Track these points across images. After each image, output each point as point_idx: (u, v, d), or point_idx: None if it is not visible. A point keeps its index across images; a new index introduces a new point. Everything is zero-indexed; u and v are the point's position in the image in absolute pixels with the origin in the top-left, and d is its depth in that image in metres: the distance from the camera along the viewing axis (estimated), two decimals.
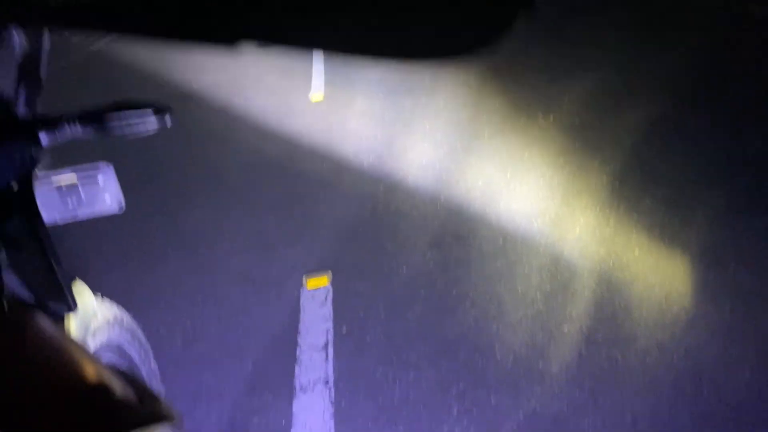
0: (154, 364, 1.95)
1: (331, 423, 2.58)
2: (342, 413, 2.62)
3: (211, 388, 2.84)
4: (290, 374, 2.86)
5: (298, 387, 2.79)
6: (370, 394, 2.69)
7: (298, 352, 2.99)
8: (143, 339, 1.88)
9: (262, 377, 2.87)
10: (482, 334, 2.95)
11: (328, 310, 3.24)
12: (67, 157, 1.39)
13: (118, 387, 0.77)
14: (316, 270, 3.55)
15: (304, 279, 3.48)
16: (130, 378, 0.83)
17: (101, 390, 0.76)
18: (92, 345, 1.45)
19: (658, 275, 3.21)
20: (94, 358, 0.91)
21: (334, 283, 3.44)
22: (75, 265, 3.87)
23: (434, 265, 3.49)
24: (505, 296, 3.17)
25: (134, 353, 1.78)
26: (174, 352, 3.08)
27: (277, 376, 2.86)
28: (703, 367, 2.64)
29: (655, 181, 3.96)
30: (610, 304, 3.04)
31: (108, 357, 1.60)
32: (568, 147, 4.49)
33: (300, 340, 3.06)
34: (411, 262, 3.54)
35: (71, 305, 1.30)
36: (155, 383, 1.92)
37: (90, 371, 0.79)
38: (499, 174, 4.27)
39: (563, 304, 3.08)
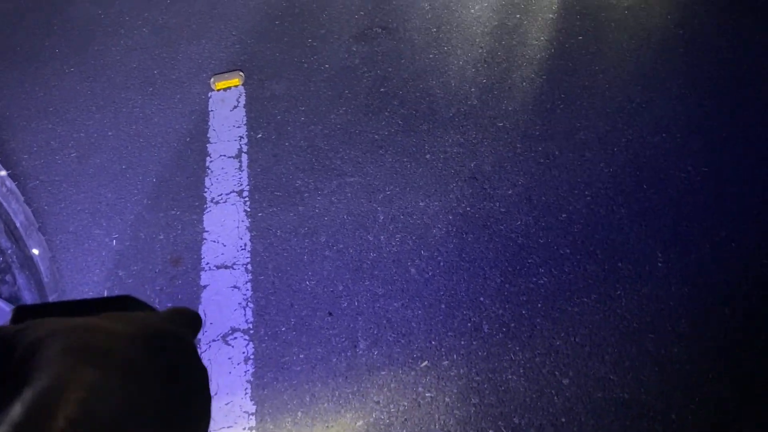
0: (10, 183, 1.62)
1: (247, 236, 2.36)
2: (259, 225, 2.39)
3: (111, 203, 2.54)
4: (200, 186, 2.58)
5: (209, 199, 2.52)
6: (289, 204, 2.45)
7: (208, 162, 2.68)
8: None
9: (168, 190, 2.57)
10: (411, 134, 2.68)
11: (240, 114, 2.89)
12: None
13: None
14: (225, 70, 3.12)
15: (212, 80, 3.06)
16: None
17: None
18: None
19: (603, 62, 2.93)
20: None
21: (247, 84, 3.04)
22: None
23: (360, 60, 3.11)
24: (438, 92, 2.87)
25: None
26: (68, 166, 2.73)
27: (185, 189, 2.57)
28: (644, 160, 2.47)
29: None
30: (550, 96, 2.78)
31: None
32: None
33: (210, 149, 2.74)
34: (334, 59, 3.14)
35: None
36: (14, 204, 1.60)
37: None
38: None
39: (499, 98, 2.81)
